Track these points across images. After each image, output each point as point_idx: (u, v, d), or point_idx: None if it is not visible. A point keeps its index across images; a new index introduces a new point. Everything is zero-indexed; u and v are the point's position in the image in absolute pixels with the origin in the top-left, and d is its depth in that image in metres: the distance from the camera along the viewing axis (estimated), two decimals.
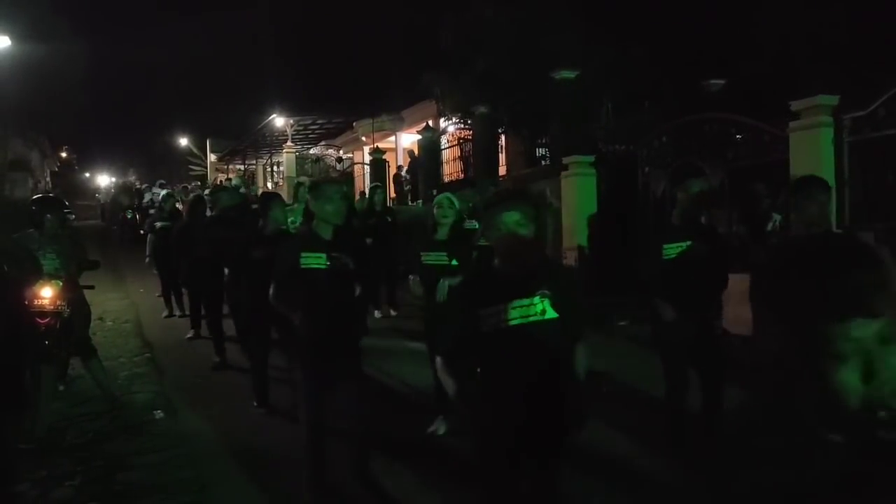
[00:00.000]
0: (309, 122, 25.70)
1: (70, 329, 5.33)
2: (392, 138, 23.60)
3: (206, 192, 16.34)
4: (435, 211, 5.04)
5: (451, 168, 17.60)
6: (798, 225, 3.72)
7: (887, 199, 7.54)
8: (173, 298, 9.76)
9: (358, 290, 4.14)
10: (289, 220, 6.27)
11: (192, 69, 39.82)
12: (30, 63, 21.35)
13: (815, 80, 8.00)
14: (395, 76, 21.34)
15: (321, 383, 3.93)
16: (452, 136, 17.76)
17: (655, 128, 10.04)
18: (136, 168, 46.52)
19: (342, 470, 4.07)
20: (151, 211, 14.86)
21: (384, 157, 20.26)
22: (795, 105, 7.57)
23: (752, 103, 9.36)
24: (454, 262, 4.76)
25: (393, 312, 9.25)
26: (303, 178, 13.43)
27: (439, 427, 4.99)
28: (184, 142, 40.31)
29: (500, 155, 15.79)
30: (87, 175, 51.90)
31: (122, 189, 26.04)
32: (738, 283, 4.15)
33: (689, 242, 4.22)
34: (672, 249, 4.25)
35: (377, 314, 9.14)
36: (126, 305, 10.95)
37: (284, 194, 14.32)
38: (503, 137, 15.62)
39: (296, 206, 8.34)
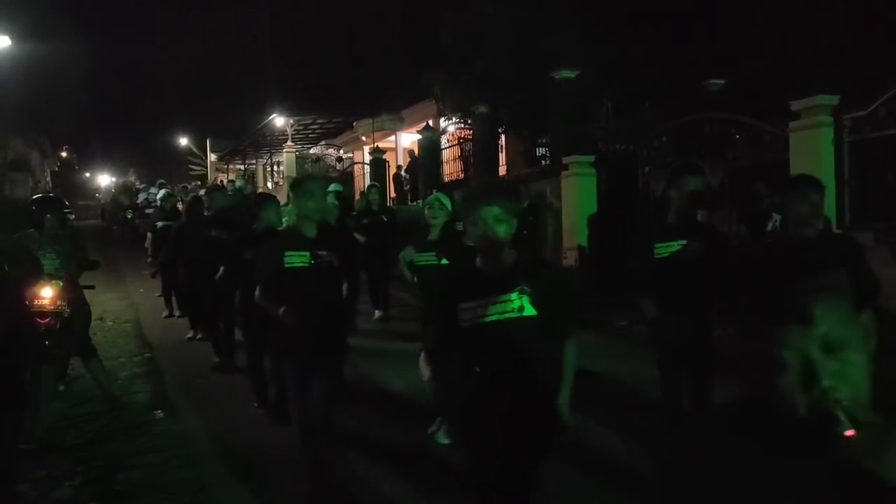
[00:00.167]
0: (309, 121, 25.71)
1: (70, 329, 5.32)
2: (392, 138, 23.60)
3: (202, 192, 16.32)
4: (426, 212, 5.02)
5: (451, 168, 17.61)
6: (792, 225, 3.74)
7: (887, 199, 7.54)
8: (174, 298, 9.76)
9: (345, 289, 4.12)
10: (284, 220, 6.25)
11: (192, 69, 39.80)
12: (30, 63, 21.31)
13: (815, 80, 8.00)
14: (395, 76, 21.36)
15: (302, 382, 3.89)
16: (452, 135, 17.77)
17: (655, 128, 10.04)
18: (136, 168, 46.42)
19: (341, 471, 4.06)
20: (148, 211, 14.89)
21: (384, 156, 20.26)
22: (795, 105, 7.58)
23: (752, 103, 9.37)
24: (444, 262, 4.75)
25: (378, 313, 9.13)
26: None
27: (440, 431, 4.97)
28: (184, 142, 40.31)
29: (500, 155, 15.79)
30: (87, 175, 51.85)
31: (122, 189, 26.02)
32: None
33: (683, 242, 4.20)
34: (664, 248, 4.23)
35: (377, 314, 9.12)
36: (126, 305, 10.95)
37: (284, 194, 14.31)
38: (503, 137, 15.62)
39: (291, 206, 8.30)
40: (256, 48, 35.49)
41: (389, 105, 22.07)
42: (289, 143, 26.25)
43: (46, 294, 5.10)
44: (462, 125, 16.66)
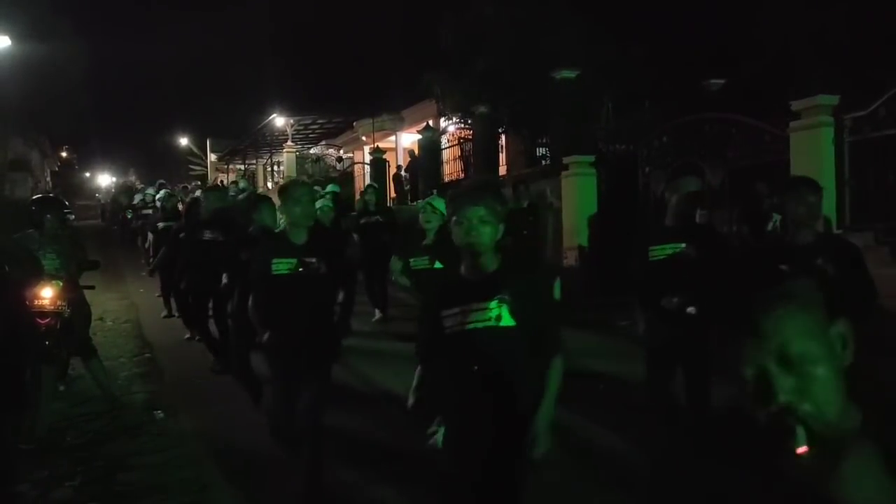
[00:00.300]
0: (309, 121, 25.71)
1: (70, 329, 5.32)
2: (392, 138, 23.60)
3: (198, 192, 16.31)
4: (420, 216, 5.00)
5: (451, 168, 17.61)
6: (790, 226, 3.73)
7: (887, 199, 7.55)
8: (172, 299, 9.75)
9: (341, 294, 4.10)
10: (280, 220, 6.23)
11: (191, 69, 39.93)
12: (30, 63, 21.31)
13: (815, 80, 8.02)
14: (395, 76, 21.41)
15: (286, 394, 3.88)
16: (452, 135, 17.77)
17: (655, 128, 10.05)
18: (136, 168, 46.45)
19: (343, 471, 4.06)
20: (145, 211, 14.86)
21: (384, 156, 20.25)
22: (796, 105, 7.58)
23: (752, 103, 9.39)
24: (437, 265, 4.74)
25: (378, 313, 9.13)
26: (303, 178, 13.43)
27: (439, 431, 4.97)
28: (184, 142, 40.31)
29: (500, 155, 15.80)
30: (87, 175, 51.85)
31: (122, 189, 26.03)
32: None
33: (678, 245, 4.17)
34: (660, 251, 4.21)
35: (377, 314, 9.11)
36: (126, 305, 10.95)
37: None
38: (503, 137, 15.63)
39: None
40: (256, 48, 35.61)
41: (389, 105, 22.08)
42: (289, 143, 26.24)
43: (46, 294, 5.09)
44: (462, 125, 16.67)
